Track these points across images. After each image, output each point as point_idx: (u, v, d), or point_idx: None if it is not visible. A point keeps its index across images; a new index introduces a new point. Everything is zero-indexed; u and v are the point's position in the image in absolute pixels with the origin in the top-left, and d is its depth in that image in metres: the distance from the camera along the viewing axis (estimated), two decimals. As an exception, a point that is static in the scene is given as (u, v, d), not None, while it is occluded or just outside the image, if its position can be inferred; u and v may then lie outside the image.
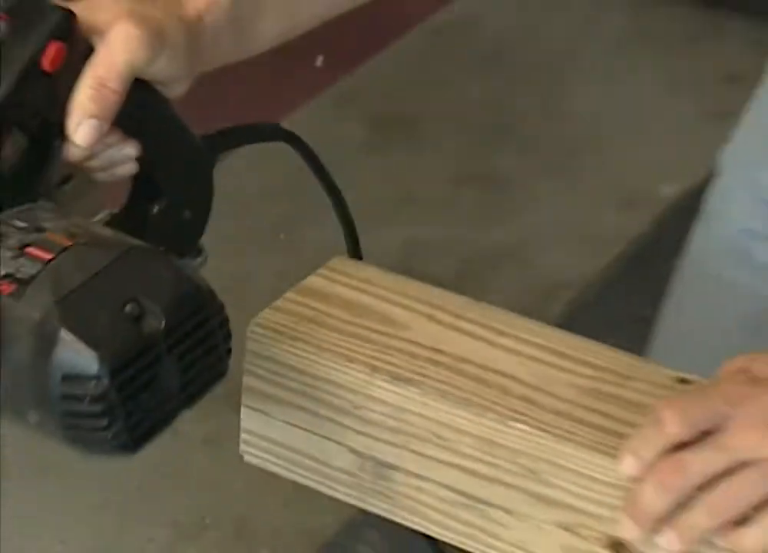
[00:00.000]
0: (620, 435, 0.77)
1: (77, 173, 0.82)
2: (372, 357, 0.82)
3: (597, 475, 0.77)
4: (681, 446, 0.75)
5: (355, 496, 0.84)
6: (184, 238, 0.85)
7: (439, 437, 0.80)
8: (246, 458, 0.87)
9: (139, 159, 0.82)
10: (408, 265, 2.17)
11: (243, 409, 0.86)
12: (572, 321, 2.11)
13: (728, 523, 0.75)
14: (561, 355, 0.83)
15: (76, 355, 0.69)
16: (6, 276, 0.72)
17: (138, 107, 0.80)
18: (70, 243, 0.73)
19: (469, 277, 2.29)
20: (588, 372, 0.82)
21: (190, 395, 0.74)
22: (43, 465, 2.02)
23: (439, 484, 0.81)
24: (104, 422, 0.70)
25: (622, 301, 2.21)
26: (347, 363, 0.82)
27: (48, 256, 0.72)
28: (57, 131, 0.78)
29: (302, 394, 0.83)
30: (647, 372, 0.82)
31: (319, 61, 2.67)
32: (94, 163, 0.81)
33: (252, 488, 1.96)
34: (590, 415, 0.79)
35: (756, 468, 0.74)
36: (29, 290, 0.71)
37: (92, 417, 0.70)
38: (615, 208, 2.48)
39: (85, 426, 0.71)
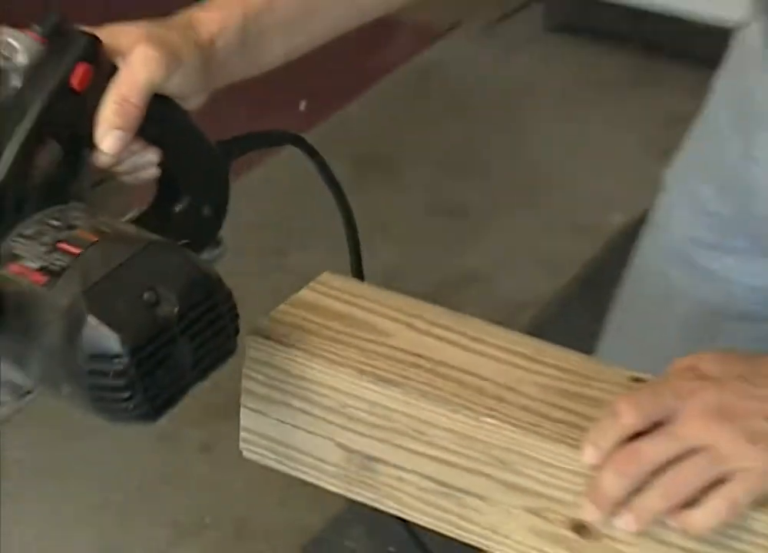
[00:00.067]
0: (582, 429, 0.77)
1: (108, 177, 0.84)
2: (359, 361, 0.82)
3: (561, 464, 0.77)
4: (636, 436, 0.75)
5: (343, 487, 0.84)
6: (204, 232, 0.87)
7: (419, 432, 0.80)
8: (245, 453, 0.87)
9: (161, 164, 0.84)
10: (387, 287, 2.16)
11: (242, 410, 0.85)
12: (535, 335, 2.11)
13: (679, 505, 0.75)
14: (529, 358, 0.83)
15: (101, 336, 0.71)
16: (41, 268, 0.74)
17: (159, 119, 0.81)
18: (96, 239, 0.75)
19: (440, 298, 2.28)
20: (553, 373, 0.82)
21: (202, 370, 0.76)
22: (43, 465, 1.98)
23: (419, 474, 0.81)
24: (126, 394, 0.72)
25: (578, 318, 2.21)
26: (336, 367, 0.82)
27: (77, 251, 0.74)
28: (87, 141, 0.79)
29: (295, 395, 0.83)
30: (606, 372, 0.82)
31: (302, 105, 2.68)
32: (121, 168, 0.82)
33: (249, 489, 1.93)
34: (555, 411, 0.79)
35: (703, 455, 0.74)
36: (60, 281, 0.73)
37: (115, 390, 0.72)
38: (570, 235, 2.49)
39: (110, 398, 0.72)
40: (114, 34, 0.80)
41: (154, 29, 0.82)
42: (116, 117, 0.78)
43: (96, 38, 0.78)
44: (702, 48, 2.35)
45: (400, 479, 0.82)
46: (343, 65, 2.88)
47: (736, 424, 0.74)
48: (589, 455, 0.76)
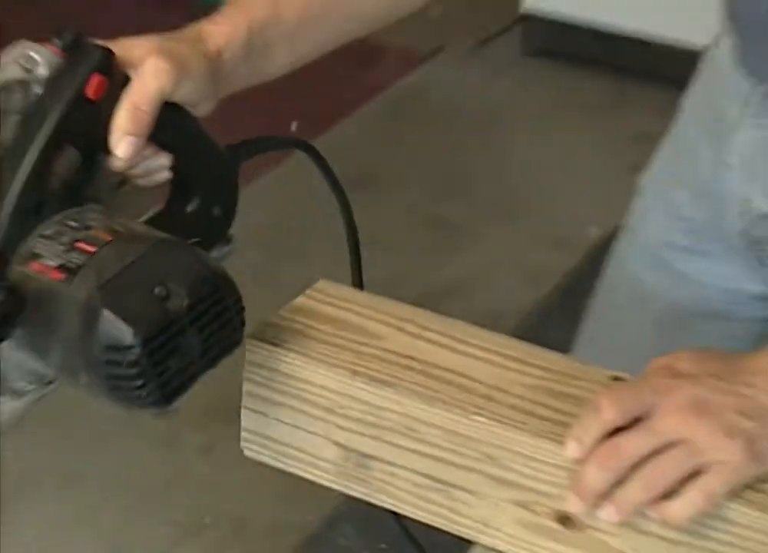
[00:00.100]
0: (566, 425, 0.78)
1: (124, 181, 0.85)
2: (353, 363, 0.82)
3: (546, 459, 0.78)
4: (617, 431, 0.75)
5: (340, 483, 0.84)
6: (215, 231, 0.88)
7: (411, 430, 0.81)
8: (246, 452, 0.87)
9: (172, 167, 0.85)
10: (375, 296, 2.16)
11: (243, 411, 0.86)
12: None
13: (658, 497, 0.75)
14: (515, 359, 0.83)
15: (115, 329, 0.73)
16: (60, 266, 0.75)
17: (169, 125, 0.82)
18: (110, 239, 0.76)
19: (426, 308, 2.28)
20: (538, 373, 0.82)
21: (211, 359, 0.77)
22: (43, 465, 1.96)
23: (412, 470, 0.81)
24: (139, 382, 0.73)
25: (558, 326, 2.21)
26: (331, 369, 0.82)
27: (93, 250, 0.75)
28: (102, 147, 0.80)
29: (293, 396, 0.83)
30: (588, 372, 0.82)
31: (294, 126, 2.68)
32: (135, 171, 0.84)
33: (247, 489, 1.92)
34: (540, 408, 0.80)
35: (681, 448, 0.75)
36: (77, 278, 0.74)
37: (129, 378, 0.73)
38: (549, 248, 2.49)
39: (124, 386, 0.74)
40: (126, 47, 0.82)
41: (164, 42, 0.83)
42: (129, 124, 0.80)
43: (110, 51, 0.80)
44: (669, 70, 2.36)
45: (393, 475, 0.82)
46: (334, 88, 2.89)
47: (712, 418, 0.75)
48: (572, 449, 0.76)
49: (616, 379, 0.82)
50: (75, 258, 0.75)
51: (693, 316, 1.14)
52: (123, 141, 0.80)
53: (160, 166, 0.84)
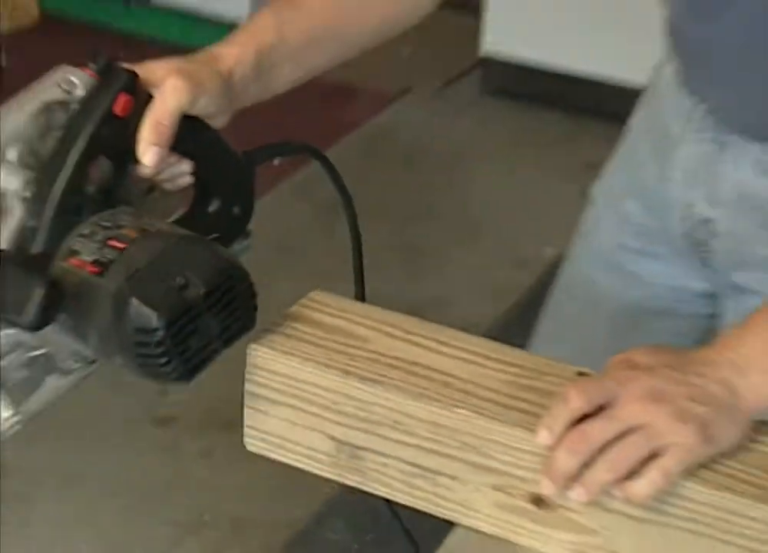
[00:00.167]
0: (537, 415, 0.78)
1: (154, 186, 0.88)
2: (345, 364, 0.83)
3: (521, 446, 0.78)
4: (583, 419, 0.76)
5: (335, 473, 0.85)
6: (235, 227, 0.91)
7: (399, 423, 0.81)
8: (249, 447, 0.87)
9: (194, 173, 0.88)
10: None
11: (245, 410, 0.86)
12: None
13: (622, 477, 0.76)
14: (491, 358, 0.84)
15: (142, 315, 0.76)
16: (94, 261, 0.78)
17: (190, 135, 0.86)
18: (138, 236, 0.79)
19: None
20: (512, 370, 0.83)
21: (227, 339, 0.80)
22: (44, 466, 1.91)
23: (400, 459, 0.82)
24: (165, 359, 0.77)
25: (518, 337, 2.22)
26: (325, 370, 0.83)
27: (123, 246, 0.79)
28: (131, 157, 0.84)
29: (291, 395, 0.84)
30: (556, 368, 0.83)
31: (276, 161, 2.70)
32: (160, 177, 0.87)
33: (245, 489, 1.90)
34: (515, 401, 0.80)
35: (641, 433, 0.75)
36: (109, 271, 0.77)
37: (156, 357, 0.77)
38: (510, 267, 2.50)
39: (152, 364, 0.77)
40: (149, 70, 0.85)
41: (182, 64, 0.86)
42: (152, 136, 0.83)
43: (135, 74, 0.83)
44: (617, 107, 2.38)
45: (384, 465, 0.83)
46: (308, 128, 2.90)
47: (667, 406, 0.76)
48: (544, 437, 0.77)
49: (581, 374, 0.83)
50: (108, 254, 0.78)
51: (644, 314, 1.15)
52: (148, 151, 0.83)
53: (182, 171, 0.87)
